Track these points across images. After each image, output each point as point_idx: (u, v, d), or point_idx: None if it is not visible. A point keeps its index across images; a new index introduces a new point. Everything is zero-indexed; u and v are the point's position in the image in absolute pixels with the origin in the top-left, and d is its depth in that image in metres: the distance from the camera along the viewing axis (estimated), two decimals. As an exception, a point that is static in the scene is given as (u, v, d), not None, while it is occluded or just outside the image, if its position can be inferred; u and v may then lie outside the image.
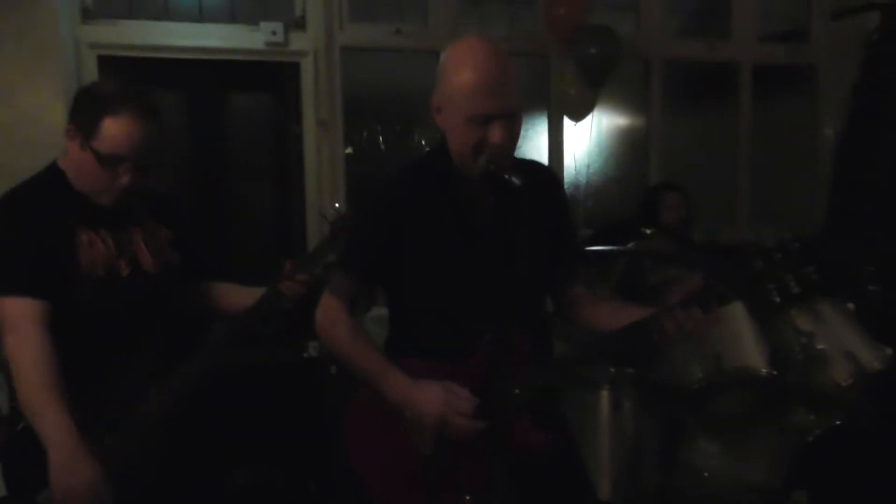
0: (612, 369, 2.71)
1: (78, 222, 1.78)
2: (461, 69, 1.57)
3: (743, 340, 2.59)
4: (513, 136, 1.59)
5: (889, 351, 2.64)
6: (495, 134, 1.55)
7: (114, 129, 1.73)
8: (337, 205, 1.91)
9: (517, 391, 1.58)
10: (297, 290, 1.88)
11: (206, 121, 3.63)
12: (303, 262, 1.90)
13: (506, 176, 1.51)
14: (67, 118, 1.82)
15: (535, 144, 4.06)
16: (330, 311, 1.70)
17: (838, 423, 2.54)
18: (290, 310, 1.91)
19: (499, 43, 1.63)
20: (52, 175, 1.83)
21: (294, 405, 2.76)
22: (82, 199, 1.81)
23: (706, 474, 2.67)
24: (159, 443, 1.79)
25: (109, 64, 3.26)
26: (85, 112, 1.76)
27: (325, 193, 3.56)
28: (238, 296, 1.98)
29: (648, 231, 2.94)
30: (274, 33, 3.41)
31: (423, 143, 3.74)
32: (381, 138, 3.82)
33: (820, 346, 2.59)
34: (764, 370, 2.56)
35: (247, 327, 1.90)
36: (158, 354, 1.84)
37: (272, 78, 3.61)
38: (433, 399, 1.57)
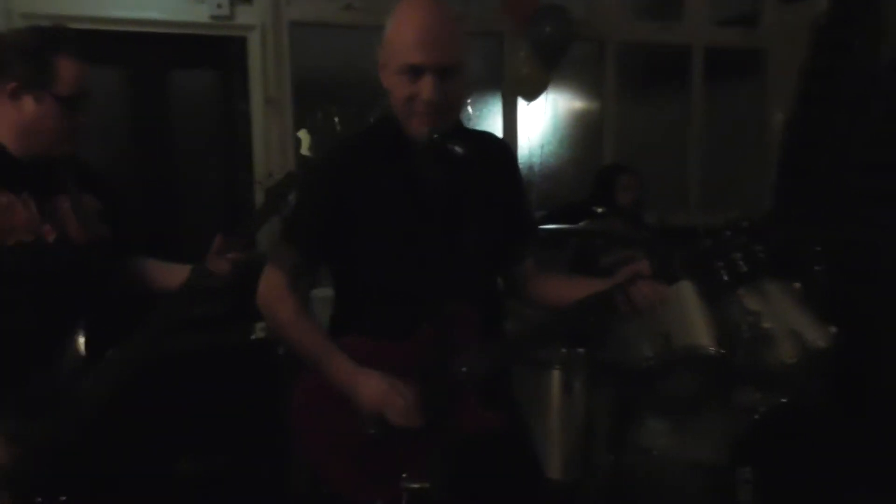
0: (564, 349, 2.70)
1: None
2: (396, 22, 1.56)
3: (692, 319, 2.61)
4: (448, 94, 1.55)
5: (833, 329, 2.69)
6: (425, 89, 1.52)
7: (71, 68, 1.69)
8: (271, 173, 1.85)
9: (464, 370, 1.54)
10: (225, 268, 1.80)
11: (148, 99, 3.49)
12: (235, 234, 1.83)
13: (448, 144, 1.46)
14: None
15: (489, 124, 4.03)
16: (272, 286, 1.65)
17: (784, 400, 2.58)
18: (220, 288, 1.83)
19: (449, 5, 1.59)
20: None
21: (242, 388, 2.70)
22: (5, 160, 1.71)
23: (655, 453, 2.69)
24: (98, 428, 1.71)
25: (44, 36, 3.11)
26: (27, 63, 1.67)
27: (274, 173, 3.46)
28: (169, 273, 1.90)
29: (600, 211, 2.94)
30: (219, 6, 3.31)
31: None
32: (336, 119, 3.74)
33: (766, 325, 2.63)
34: (712, 349, 2.59)
35: (177, 310, 1.81)
36: (92, 330, 1.74)
37: (217, 53, 3.49)
38: (373, 393, 1.53)
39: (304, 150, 2.21)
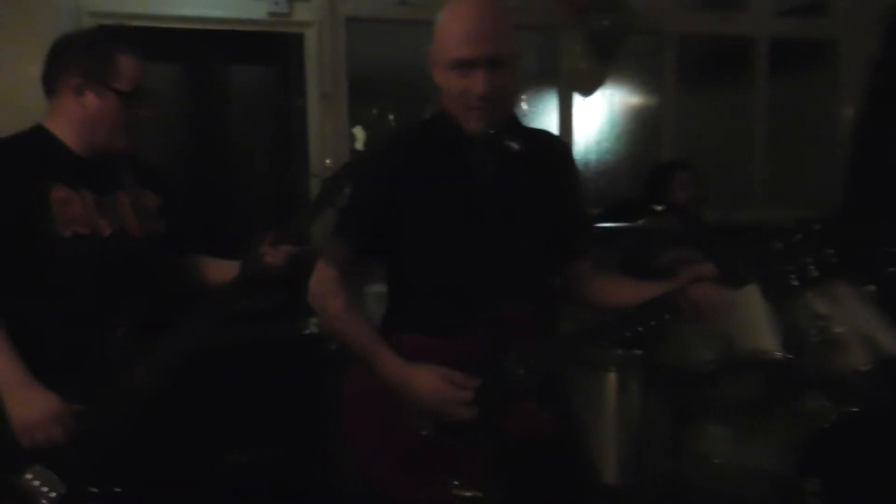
0: (620, 350, 2.64)
1: (55, 178, 1.73)
2: (445, 18, 1.56)
3: (756, 322, 2.52)
4: (500, 87, 1.53)
5: (909, 335, 2.56)
6: (476, 83, 1.50)
7: (131, 65, 1.77)
8: (328, 161, 1.85)
9: (521, 372, 1.50)
10: (279, 261, 1.81)
11: (207, 94, 3.55)
12: (289, 226, 1.84)
13: (504, 141, 1.43)
14: (53, 77, 1.77)
15: (544, 120, 3.97)
16: (324, 281, 1.65)
17: (855, 409, 2.46)
18: (272, 282, 1.84)
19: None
20: (35, 134, 1.79)
21: (293, 382, 2.71)
22: (67, 156, 1.77)
23: (716, 460, 2.60)
24: (147, 418, 1.74)
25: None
26: (90, 59, 1.74)
27: (330, 166, 3.48)
28: (223, 269, 1.92)
29: (658, 209, 2.85)
30: (277, 3, 3.32)
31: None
32: (391, 116, 3.73)
33: (837, 330, 2.52)
34: (778, 353, 2.49)
35: (226, 303, 1.84)
36: (144, 323, 1.78)
37: (275, 50, 3.52)
38: (428, 386, 1.51)
39: (359, 146, 2.21)
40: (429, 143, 1.64)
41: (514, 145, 1.42)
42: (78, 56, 1.75)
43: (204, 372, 1.94)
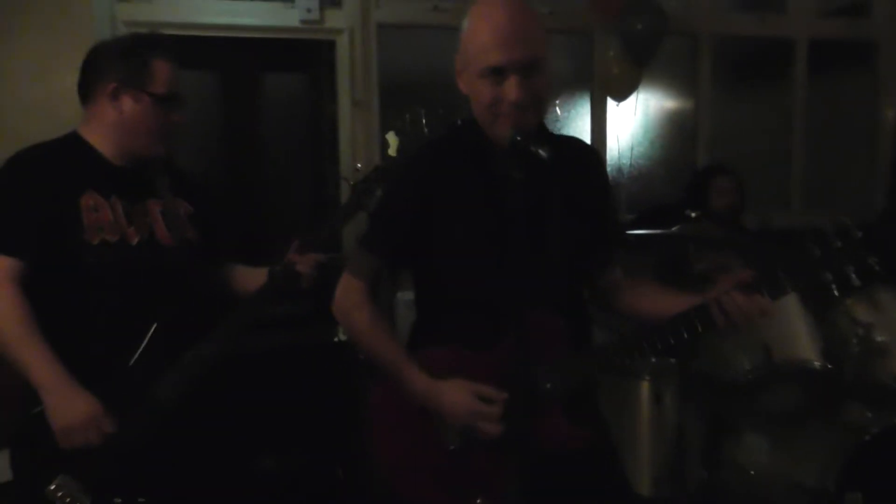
0: (654, 359, 2.59)
1: (86, 185, 1.75)
2: (472, 26, 1.51)
3: (795, 331, 2.46)
4: (532, 93, 1.49)
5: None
6: (510, 90, 1.46)
7: (166, 70, 1.80)
8: (359, 165, 1.85)
9: (549, 385, 1.48)
10: (308, 269, 1.82)
11: (240, 100, 3.58)
12: (319, 232, 1.86)
13: (532, 148, 1.40)
14: (89, 84, 1.80)
15: (577, 125, 3.93)
16: (350, 293, 1.63)
17: (897, 421, 2.38)
18: (302, 289, 1.84)
19: (525, 1, 1.54)
20: (69, 140, 1.82)
21: (323, 390, 2.71)
22: (99, 163, 1.79)
23: (753, 472, 2.54)
24: (174, 426, 1.75)
25: (143, 42, 3.24)
26: (126, 65, 1.77)
27: (360, 170, 3.48)
28: (255, 278, 1.92)
29: (693, 215, 2.80)
30: (309, 10, 3.34)
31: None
32: (424, 122, 3.72)
33: (879, 338, 2.46)
34: (817, 363, 2.43)
35: (254, 312, 1.85)
36: (172, 332, 1.79)
37: (307, 56, 3.54)
38: (455, 402, 1.48)
39: (392, 153, 2.21)
40: (458, 152, 1.61)
41: (542, 152, 1.39)
42: (113, 62, 1.78)
43: (232, 379, 1.95)
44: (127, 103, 1.78)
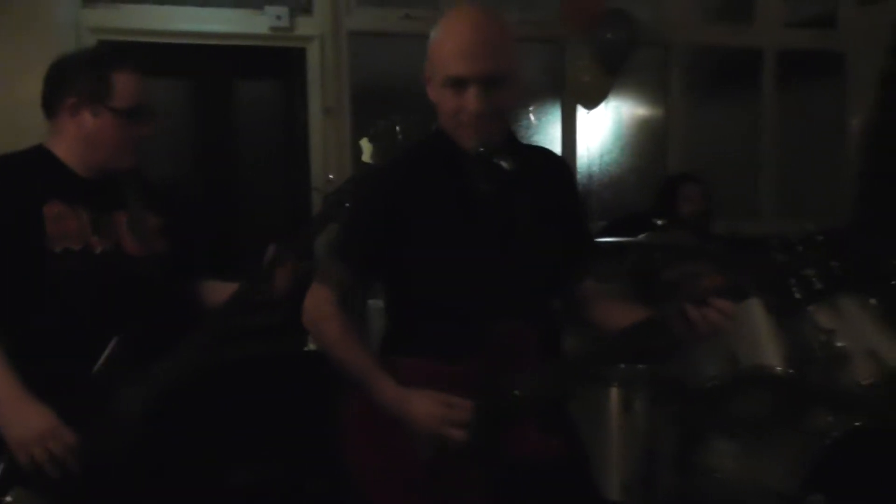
0: (623, 366, 2.60)
1: (50, 195, 1.72)
2: (440, 34, 1.52)
3: (759, 338, 2.48)
4: (495, 105, 1.49)
5: (914, 349, 2.51)
6: (469, 101, 1.47)
7: (127, 82, 1.75)
8: (330, 176, 1.85)
9: (516, 393, 1.48)
10: (282, 279, 1.81)
11: (211, 108, 3.56)
12: (292, 243, 1.83)
13: (495, 159, 1.40)
14: (51, 98, 1.78)
15: (548, 132, 3.96)
16: (319, 303, 1.61)
17: (859, 424, 2.41)
18: (273, 301, 1.83)
19: (496, 14, 1.55)
20: (35, 152, 1.80)
21: (294, 399, 2.69)
22: (64, 174, 1.77)
23: (721, 476, 2.56)
24: (146, 438, 1.72)
25: (111, 49, 3.21)
26: (85, 79, 1.74)
27: (333, 179, 3.47)
28: (225, 293, 1.88)
29: (660, 223, 2.83)
30: (279, 18, 3.34)
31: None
32: (398, 128, 3.72)
33: (840, 344, 2.48)
34: (780, 369, 2.45)
35: (222, 326, 1.82)
36: (138, 343, 1.75)
37: (278, 64, 3.53)
38: (423, 410, 1.48)
39: (366, 159, 2.20)
40: (426, 161, 1.61)
41: (506, 164, 1.39)
42: (73, 76, 1.75)
43: (201, 390, 1.92)
44: (87, 118, 1.75)
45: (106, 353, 1.72)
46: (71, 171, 1.78)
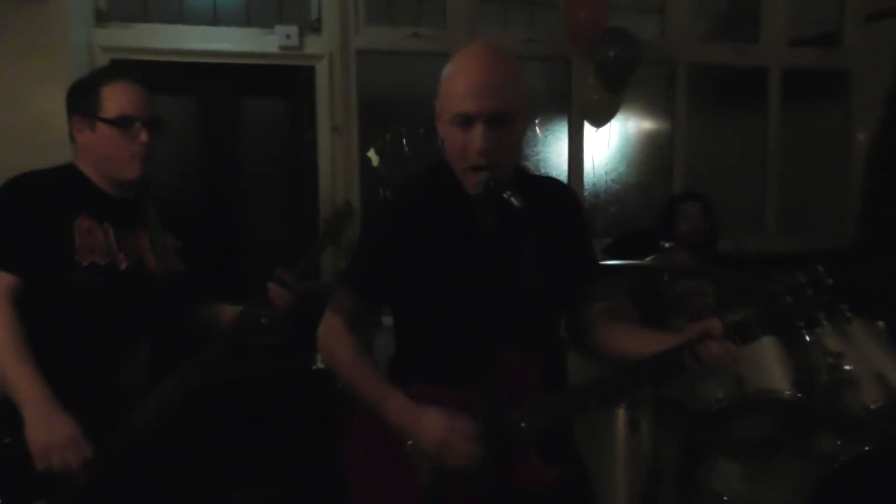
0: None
1: (81, 209, 1.80)
2: (451, 71, 1.55)
3: (766, 361, 2.48)
4: (502, 142, 1.51)
5: (922, 373, 2.52)
6: (475, 138, 1.49)
7: (113, 93, 1.81)
8: (330, 204, 1.87)
9: (523, 425, 1.49)
10: (285, 300, 1.84)
11: (220, 126, 3.58)
12: (296, 264, 1.87)
13: (504, 195, 1.42)
14: (68, 122, 1.87)
15: (555, 149, 3.98)
16: (332, 329, 1.64)
17: (866, 448, 2.42)
18: (277, 322, 1.86)
19: (508, 48, 1.58)
20: (65, 169, 1.88)
21: (300, 417, 2.71)
22: (93, 191, 1.85)
23: (725, 499, 2.57)
24: (152, 452, 1.75)
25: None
26: (80, 99, 1.83)
27: (336, 201, 3.50)
28: (229, 315, 1.93)
29: (667, 245, 2.83)
30: (288, 37, 3.36)
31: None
32: (404, 140, 3.75)
33: (847, 367, 2.47)
34: (787, 392, 2.45)
35: (230, 343, 1.87)
36: (154, 359, 1.81)
37: (287, 82, 3.55)
38: (435, 423, 1.49)
39: (375, 164, 2.22)
40: (433, 192, 1.63)
41: (515, 200, 1.41)
42: (71, 98, 1.86)
43: (208, 407, 1.94)
44: (86, 133, 1.83)
45: (127, 367, 1.77)
46: (97, 188, 1.86)
